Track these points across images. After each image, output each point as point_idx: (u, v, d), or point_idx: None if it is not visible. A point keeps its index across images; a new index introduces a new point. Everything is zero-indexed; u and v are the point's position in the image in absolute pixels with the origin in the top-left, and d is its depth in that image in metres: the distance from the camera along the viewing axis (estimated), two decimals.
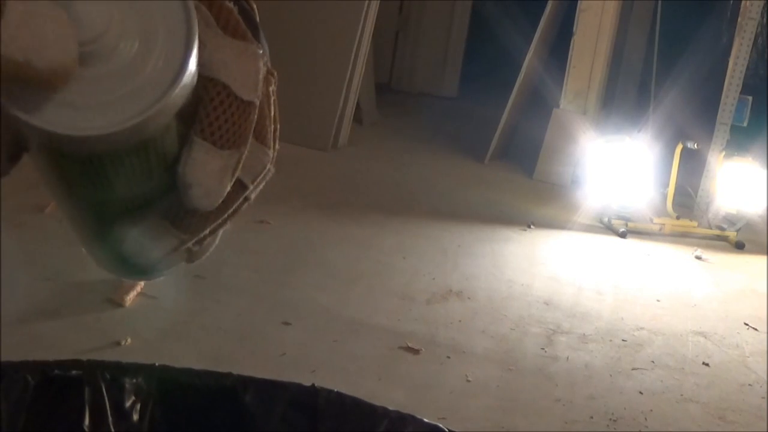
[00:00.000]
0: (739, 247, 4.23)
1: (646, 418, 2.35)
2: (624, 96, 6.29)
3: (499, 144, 5.35)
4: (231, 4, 0.39)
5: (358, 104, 5.31)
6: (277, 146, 0.43)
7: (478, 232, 3.91)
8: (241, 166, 0.38)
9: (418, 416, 0.67)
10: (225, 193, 0.37)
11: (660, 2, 5.27)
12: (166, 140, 0.37)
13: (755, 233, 4.35)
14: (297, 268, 3.05)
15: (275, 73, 0.43)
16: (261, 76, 0.38)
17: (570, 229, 4.16)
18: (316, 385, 0.69)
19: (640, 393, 2.50)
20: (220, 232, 0.43)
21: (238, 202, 0.41)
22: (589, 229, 4.21)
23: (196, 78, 0.36)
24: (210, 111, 0.36)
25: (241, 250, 3.07)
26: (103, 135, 0.34)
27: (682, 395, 2.53)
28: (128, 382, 0.68)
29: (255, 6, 0.43)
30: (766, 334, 3.08)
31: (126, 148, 0.35)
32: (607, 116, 5.51)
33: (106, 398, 0.68)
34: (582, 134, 4.76)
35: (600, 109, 5.38)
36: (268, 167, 0.41)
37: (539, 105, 5.40)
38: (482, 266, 3.45)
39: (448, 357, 2.57)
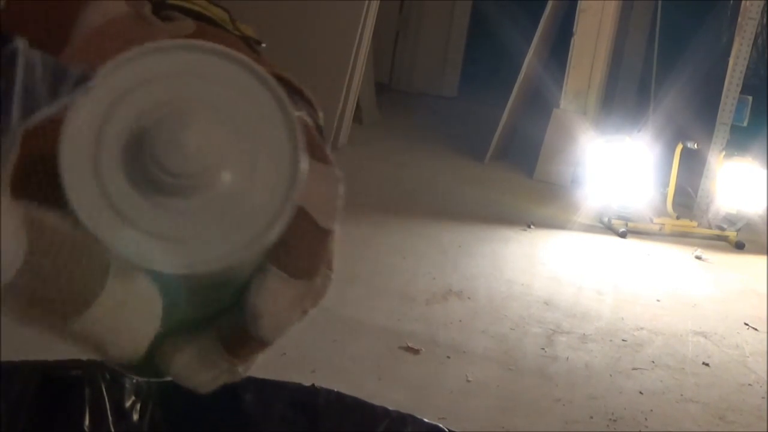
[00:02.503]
0: (739, 247, 4.23)
1: (646, 418, 2.35)
2: (624, 96, 6.29)
3: (499, 144, 5.35)
4: (311, 121, 0.38)
5: (358, 104, 5.31)
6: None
7: (478, 232, 3.91)
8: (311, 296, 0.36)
9: (418, 416, 0.67)
10: (293, 324, 0.36)
11: (660, 2, 5.27)
12: (239, 271, 0.34)
13: (755, 233, 4.35)
14: None
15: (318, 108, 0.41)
16: (341, 204, 0.36)
17: (570, 229, 4.16)
18: (316, 385, 0.69)
19: (640, 393, 2.50)
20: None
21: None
22: (589, 229, 4.21)
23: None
24: (288, 238, 0.33)
25: None
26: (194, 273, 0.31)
27: (682, 395, 2.53)
28: (128, 382, 0.68)
29: (321, 113, 0.41)
30: (766, 334, 3.08)
31: (207, 277, 0.33)
32: (607, 116, 5.51)
33: (106, 398, 0.68)
34: (582, 134, 4.76)
35: (600, 109, 5.38)
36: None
37: (539, 105, 5.40)
38: (482, 266, 3.44)
39: (448, 357, 2.57)
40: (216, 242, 0.30)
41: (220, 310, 0.36)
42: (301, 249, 0.34)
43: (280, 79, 0.36)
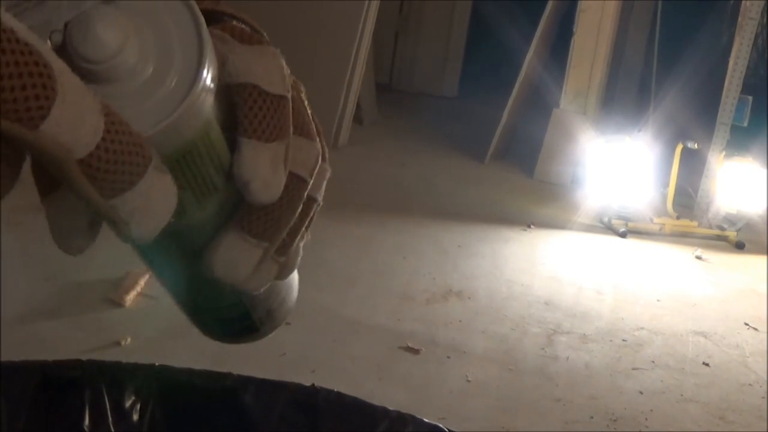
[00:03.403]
0: (739, 247, 4.23)
1: (646, 418, 2.35)
2: (624, 96, 6.29)
3: (499, 144, 5.35)
4: (241, 24, 0.42)
5: (358, 104, 5.31)
6: (326, 148, 0.45)
7: (478, 232, 3.91)
8: (290, 157, 0.40)
9: (418, 416, 0.67)
10: (282, 183, 0.39)
11: (660, 2, 5.27)
12: (216, 151, 0.39)
13: (755, 233, 4.35)
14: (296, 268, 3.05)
15: (299, 83, 0.45)
16: (285, 72, 0.41)
17: (570, 229, 4.16)
18: (316, 385, 0.69)
19: (640, 393, 2.50)
20: (301, 244, 0.45)
21: (303, 201, 0.42)
22: (589, 229, 4.21)
23: (209, 94, 0.37)
24: (247, 111, 0.39)
25: None
26: None
27: (682, 395, 2.53)
28: (128, 382, 0.68)
29: (265, 35, 0.46)
30: (766, 334, 3.08)
31: (169, 159, 0.37)
32: (607, 116, 5.51)
33: (106, 398, 0.68)
34: (582, 134, 4.76)
35: (600, 109, 5.38)
36: (320, 163, 0.43)
37: (539, 105, 5.40)
38: (482, 266, 3.45)
39: (448, 357, 2.57)
40: (137, 122, 0.35)
41: (234, 208, 0.41)
42: (262, 116, 0.39)
43: (221, 13, 0.43)
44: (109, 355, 2.24)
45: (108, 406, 0.67)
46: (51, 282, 2.63)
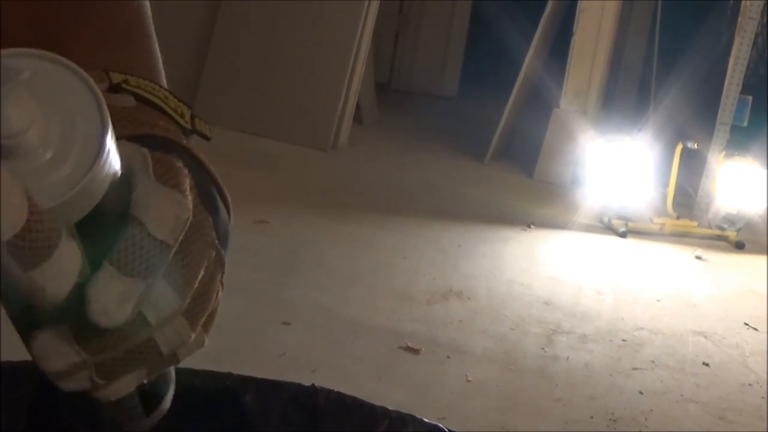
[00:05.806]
0: (739, 247, 4.23)
1: (646, 418, 2.36)
2: (624, 96, 6.29)
3: (499, 144, 5.35)
4: (182, 167, 0.43)
5: (358, 104, 5.31)
6: (209, 330, 0.48)
7: (478, 232, 3.91)
8: (144, 298, 0.41)
9: (418, 416, 0.67)
10: (123, 318, 0.40)
11: (660, 2, 5.27)
12: (72, 255, 0.40)
13: (755, 233, 4.35)
14: (297, 268, 3.06)
15: (223, 260, 0.46)
16: (182, 222, 0.41)
17: (570, 229, 4.16)
18: (316, 385, 0.69)
19: (640, 393, 2.50)
20: (132, 387, 0.45)
21: (148, 349, 0.43)
22: (589, 229, 4.21)
23: (96, 198, 0.39)
24: (122, 242, 0.40)
25: (241, 249, 3.06)
26: None
27: (682, 395, 2.53)
28: None
29: (218, 179, 0.48)
30: (766, 334, 3.08)
31: None
32: (607, 116, 5.51)
33: None
34: (582, 134, 4.76)
35: (600, 109, 5.38)
36: (178, 316, 0.44)
37: (539, 105, 5.40)
38: (482, 266, 3.45)
39: (448, 357, 2.57)
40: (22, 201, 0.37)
41: (77, 307, 0.41)
42: (132, 252, 0.40)
43: (176, 145, 0.45)
44: None
45: None
46: None
